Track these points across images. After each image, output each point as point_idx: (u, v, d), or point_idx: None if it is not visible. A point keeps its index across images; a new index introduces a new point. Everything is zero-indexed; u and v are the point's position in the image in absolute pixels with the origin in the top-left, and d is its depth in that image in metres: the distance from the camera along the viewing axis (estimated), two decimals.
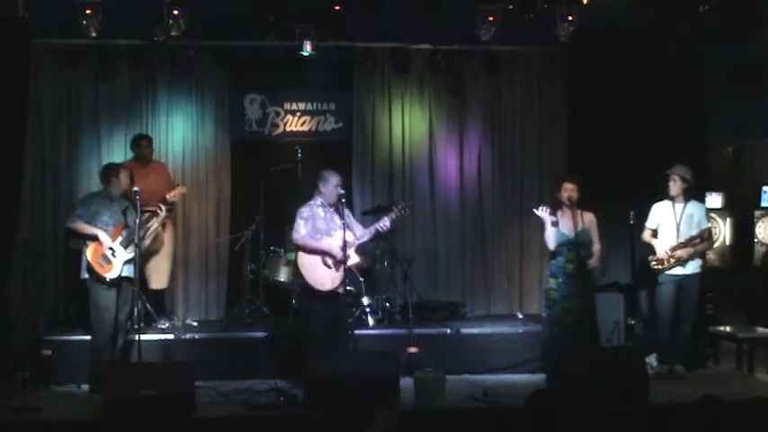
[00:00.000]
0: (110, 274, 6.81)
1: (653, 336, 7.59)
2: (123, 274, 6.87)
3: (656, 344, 7.52)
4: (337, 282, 6.81)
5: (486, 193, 8.94)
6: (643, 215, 7.53)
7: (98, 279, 6.81)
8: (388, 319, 8.14)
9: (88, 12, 6.95)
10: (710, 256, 8.99)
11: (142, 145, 7.97)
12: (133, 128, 8.36)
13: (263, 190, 8.13)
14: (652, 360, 7.39)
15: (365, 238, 7.01)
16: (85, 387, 6.92)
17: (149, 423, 5.97)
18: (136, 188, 6.90)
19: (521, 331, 7.91)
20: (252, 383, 6.94)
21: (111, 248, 6.83)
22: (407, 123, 8.88)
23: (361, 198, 8.74)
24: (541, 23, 7.27)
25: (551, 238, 7.13)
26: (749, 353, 7.79)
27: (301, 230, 6.84)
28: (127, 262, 6.88)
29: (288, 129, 8.84)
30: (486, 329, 7.95)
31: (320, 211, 6.92)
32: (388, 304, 8.22)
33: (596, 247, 7.25)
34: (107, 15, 7.00)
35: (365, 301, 8.03)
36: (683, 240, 7.32)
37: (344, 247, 6.69)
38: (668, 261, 7.33)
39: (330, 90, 8.87)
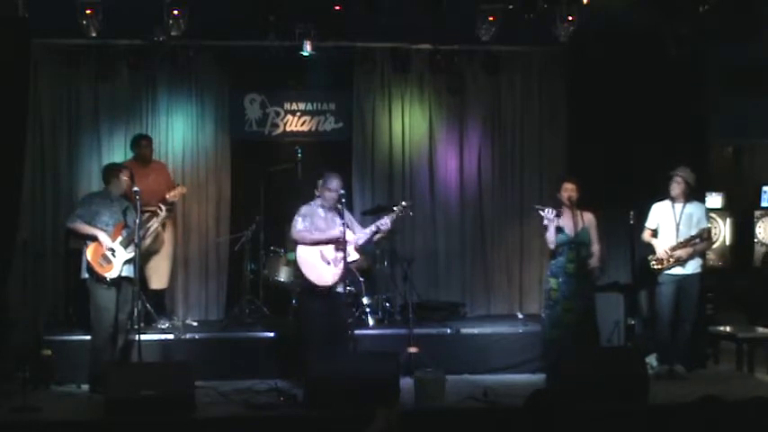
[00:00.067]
0: (110, 274, 6.81)
1: (653, 336, 7.59)
2: (123, 274, 6.87)
3: (656, 344, 7.52)
4: (337, 277, 6.81)
5: (486, 193, 8.94)
6: (643, 215, 7.53)
7: (98, 279, 6.81)
8: (388, 319, 8.13)
9: (88, 12, 6.95)
10: (710, 255, 8.99)
11: (142, 145, 7.97)
12: (133, 128, 8.36)
13: (263, 190, 8.13)
14: (652, 360, 7.39)
15: (365, 238, 7.01)
16: (85, 387, 6.91)
17: (149, 423, 5.97)
18: (136, 188, 6.90)
19: (521, 331, 7.91)
20: (252, 383, 6.94)
21: (111, 248, 6.83)
22: (407, 123, 8.88)
23: (361, 198, 8.74)
24: (541, 23, 7.28)
25: (552, 238, 7.13)
26: (749, 353, 7.79)
27: (298, 225, 6.86)
28: (127, 262, 6.88)
29: (288, 129, 8.84)
30: (486, 329, 7.95)
31: (320, 211, 6.94)
32: (388, 304, 8.22)
33: (595, 247, 7.25)
34: (107, 15, 7.01)
35: (365, 301, 8.03)
36: (682, 240, 7.33)
37: (344, 242, 6.70)
38: (668, 261, 7.33)
39: (330, 90, 8.87)
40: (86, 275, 6.88)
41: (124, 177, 7.00)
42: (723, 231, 10.07)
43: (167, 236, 7.99)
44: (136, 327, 6.92)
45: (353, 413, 5.36)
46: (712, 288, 8.32)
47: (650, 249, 7.45)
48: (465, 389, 6.87)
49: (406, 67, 8.67)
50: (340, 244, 6.76)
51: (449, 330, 7.83)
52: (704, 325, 7.90)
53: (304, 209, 6.95)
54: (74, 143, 8.36)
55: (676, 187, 7.38)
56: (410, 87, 8.86)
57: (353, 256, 6.91)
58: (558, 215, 7.06)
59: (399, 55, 8.64)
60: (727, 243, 10.12)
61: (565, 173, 7.87)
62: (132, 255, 6.88)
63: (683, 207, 7.40)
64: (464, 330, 7.83)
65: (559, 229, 7.10)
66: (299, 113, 8.85)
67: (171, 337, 7.51)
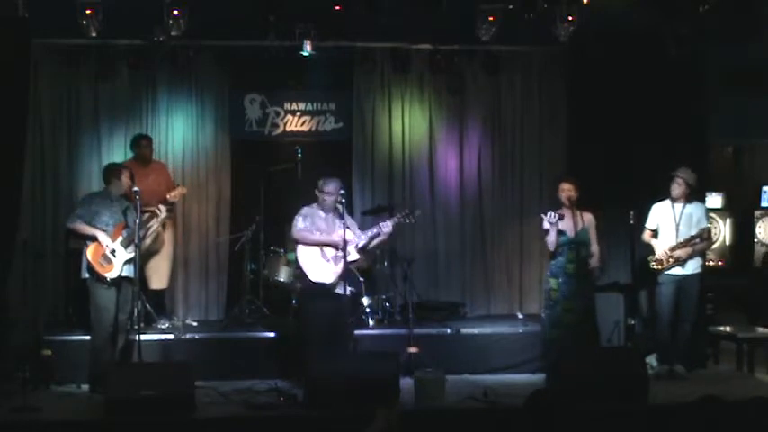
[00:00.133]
0: (110, 274, 6.80)
1: (653, 336, 7.59)
2: (123, 274, 6.87)
3: (656, 344, 7.52)
4: (337, 276, 6.81)
5: (486, 193, 8.94)
6: (643, 215, 7.53)
7: (98, 279, 6.81)
8: (388, 319, 8.13)
9: (88, 12, 6.95)
10: (710, 255, 8.99)
11: (142, 145, 7.96)
12: (133, 128, 8.36)
13: (263, 190, 8.13)
14: (652, 360, 7.39)
15: (365, 241, 7.01)
16: (85, 387, 6.91)
17: (149, 423, 5.97)
18: (136, 188, 6.90)
19: (521, 331, 7.91)
20: (252, 383, 6.93)
21: (111, 248, 6.83)
22: (407, 123, 8.88)
23: (361, 198, 8.74)
24: (541, 23, 7.28)
25: (552, 241, 7.13)
26: (749, 353, 7.79)
27: (299, 224, 6.88)
28: (127, 262, 6.88)
29: (288, 129, 8.84)
30: (486, 329, 7.95)
31: (321, 213, 6.95)
32: (388, 304, 8.22)
33: (594, 247, 7.25)
34: (107, 15, 7.01)
35: (365, 301, 8.03)
36: (681, 240, 7.33)
37: (344, 242, 6.70)
38: (667, 261, 7.33)
39: (330, 90, 8.87)
40: (86, 275, 6.88)
41: (124, 177, 7.00)
42: (723, 231, 10.06)
43: (167, 236, 7.99)
44: (136, 327, 6.92)
45: (353, 413, 5.36)
46: (712, 288, 8.31)
47: (650, 249, 7.45)
48: (465, 389, 6.87)
49: (406, 67, 8.67)
50: (341, 242, 6.76)
51: (449, 330, 7.83)
52: (704, 325, 7.90)
53: (305, 209, 6.97)
54: (74, 143, 8.35)
55: (677, 188, 7.38)
56: (410, 87, 8.86)
57: (354, 255, 6.92)
58: (561, 218, 7.05)
59: (399, 55, 8.63)
60: (727, 243, 10.12)
61: (563, 173, 7.87)
62: (132, 255, 6.88)
63: (683, 207, 7.40)
64: (464, 330, 7.83)
65: (560, 232, 7.09)
66: (299, 113, 8.85)
67: (171, 337, 7.51)
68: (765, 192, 10.32)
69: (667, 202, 7.45)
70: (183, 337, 7.53)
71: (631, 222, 7.48)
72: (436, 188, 8.90)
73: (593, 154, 8.00)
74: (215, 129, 8.67)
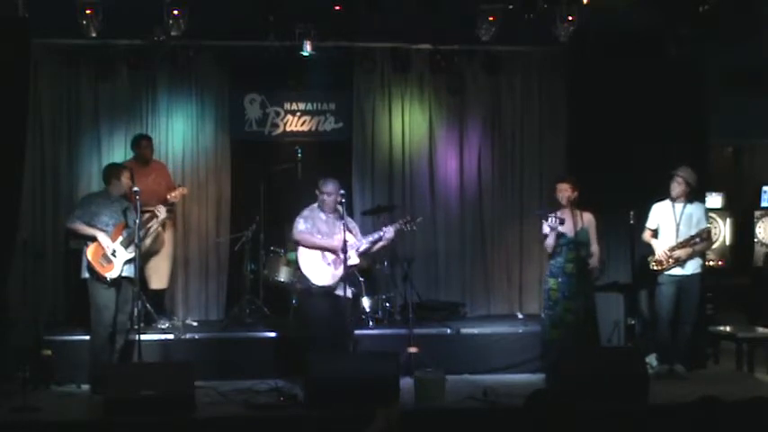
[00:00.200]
0: (110, 274, 6.80)
1: (653, 336, 7.59)
2: (124, 274, 6.87)
3: (656, 344, 7.52)
4: (337, 279, 6.81)
5: (486, 193, 8.94)
6: (643, 215, 7.52)
7: (98, 279, 6.81)
8: (388, 319, 8.13)
9: (88, 12, 6.96)
10: (710, 255, 8.99)
11: (142, 145, 7.96)
12: (133, 128, 8.36)
13: (263, 190, 8.13)
14: (652, 360, 7.39)
15: (366, 246, 7.02)
16: (85, 387, 6.91)
17: (149, 423, 5.97)
18: (136, 188, 6.90)
19: (521, 331, 7.90)
20: (252, 383, 6.93)
21: (111, 249, 6.82)
22: (407, 123, 8.88)
23: (361, 198, 8.74)
24: (541, 23, 7.29)
25: (551, 244, 7.14)
26: (749, 353, 7.79)
27: (300, 226, 6.89)
28: (127, 262, 6.88)
29: (288, 129, 8.83)
30: (486, 329, 7.95)
31: (322, 215, 6.96)
32: (388, 304, 8.22)
33: (594, 248, 7.25)
34: (107, 15, 7.01)
35: (365, 301, 8.03)
36: (681, 240, 7.33)
37: (345, 246, 6.70)
38: (667, 261, 7.33)
39: (330, 90, 8.87)
40: (87, 275, 6.88)
41: (124, 178, 7.00)
42: (723, 231, 10.06)
43: (167, 236, 7.99)
44: (136, 327, 6.92)
45: (353, 413, 5.35)
46: (712, 288, 8.32)
47: (650, 249, 7.45)
48: (465, 389, 6.86)
49: (406, 67, 8.67)
50: (341, 246, 6.76)
51: (449, 330, 7.83)
52: (704, 325, 7.90)
53: (306, 211, 6.97)
54: (74, 143, 8.35)
55: (677, 187, 7.38)
56: (410, 87, 8.86)
57: (354, 260, 6.92)
58: (562, 222, 7.04)
59: (399, 55, 8.63)
60: (727, 243, 10.11)
61: (561, 173, 7.85)
62: (133, 255, 6.88)
63: (684, 207, 7.40)
64: (464, 330, 7.83)
65: (560, 235, 7.09)
66: (299, 113, 8.85)
67: (171, 337, 7.51)
68: (765, 192, 10.31)
69: (668, 202, 7.45)
70: (183, 337, 7.53)
71: (631, 222, 7.47)
72: (436, 188, 8.90)
73: (593, 154, 8.00)
74: (215, 129, 8.66)
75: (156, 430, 6.03)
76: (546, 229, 7.12)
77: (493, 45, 8.04)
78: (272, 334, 7.55)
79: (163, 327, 7.75)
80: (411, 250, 8.57)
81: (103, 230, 6.85)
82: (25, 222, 7.76)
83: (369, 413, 4.30)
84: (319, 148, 8.83)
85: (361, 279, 7.96)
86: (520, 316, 8.57)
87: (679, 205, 7.41)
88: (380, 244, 7.09)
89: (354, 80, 8.79)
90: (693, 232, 7.34)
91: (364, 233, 7.26)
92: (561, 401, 3.69)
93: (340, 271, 6.81)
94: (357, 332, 7.32)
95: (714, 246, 9.24)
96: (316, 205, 7.00)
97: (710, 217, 8.18)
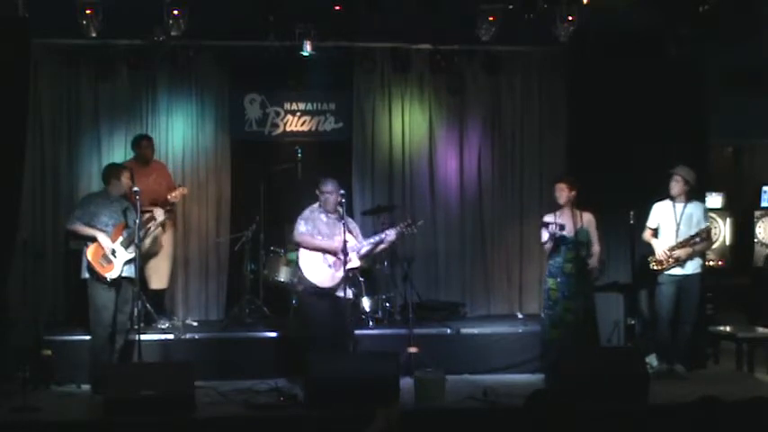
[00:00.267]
0: (110, 274, 6.80)
1: (653, 336, 7.59)
2: (124, 275, 6.87)
3: (656, 344, 7.52)
4: (338, 281, 6.81)
5: (486, 193, 8.94)
6: (643, 215, 7.52)
7: (98, 279, 6.81)
8: (388, 319, 8.13)
9: (88, 12, 6.96)
10: (710, 255, 8.99)
11: (143, 145, 7.96)
12: (133, 128, 8.36)
13: (263, 190, 8.13)
14: (652, 360, 7.38)
15: (368, 248, 7.02)
16: (86, 387, 6.91)
17: (149, 423, 5.96)
18: (136, 188, 6.90)
19: (521, 331, 7.90)
20: (252, 383, 6.93)
21: (111, 249, 6.82)
22: (407, 123, 8.88)
23: (361, 198, 8.74)
24: (541, 23, 7.28)
25: (549, 247, 7.15)
26: (749, 353, 7.79)
27: (301, 228, 6.89)
28: (127, 262, 6.88)
29: (288, 129, 8.83)
30: (486, 329, 7.94)
31: (322, 216, 6.95)
32: (388, 304, 8.21)
33: (596, 248, 7.26)
34: (107, 15, 7.01)
35: (365, 301, 8.03)
36: (681, 240, 7.33)
37: (345, 248, 6.70)
38: (667, 261, 7.33)
39: (330, 90, 8.87)
40: (87, 275, 6.88)
41: (124, 178, 7.00)
42: (723, 231, 10.06)
43: (167, 236, 7.98)
44: (136, 327, 6.92)
45: (353, 413, 5.35)
46: (712, 288, 8.32)
47: (651, 249, 7.45)
48: (465, 389, 6.86)
49: (406, 67, 8.67)
50: (341, 248, 6.76)
51: (449, 330, 7.82)
52: (704, 325, 7.90)
53: (306, 212, 6.97)
54: (74, 143, 8.35)
55: (675, 186, 7.38)
56: (410, 87, 8.86)
57: (355, 262, 6.92)
58: (562, 228, 7.04)
59: (399, 55, 8.63)
60: (727, 243, 10.11)
61: (559, 173, 7.85)
62: (133, 255, 6.88)
63: (684, 207, 7.40)
64: (464, 330, 7.83)
65: (561, 239, 7.09)
66: (299, 113, 8.85)
67: (171, 337, 7.51)
68: (765, 192, 10.31)
69: (668, 202, 7.45)
70: (183, 337, 7.52)
71: (631, 222, 7.47)
72: (436, 188, 8.90)
73: (593, 154, 7.99)
74: (215, 129, 8.66)
75: (156, 430, 6.02)
76: (545, 236, 7.13)
77: (493, 45, 8.04)
78: (272, 334, 7.56)
79: (163, 327, 7.75)
80: (411, 250, 8.56)
81: (103, 231, 6.84)
82: (25, 222, 7.76)
83: (369, 413, 4.30)
84: (319, 148, 8.83)
85: (361, 279, 7.95)
86: (520, 316, 8.57)
87: (679, 205, 7.41)
88: (382, 247, 7.11)
89: (354, 80, 8.78)
90: (693, 232, 7.34)
91: (364, 233, 7.27)
92: (561, 401, 3.69)
93: (341, 273, 6.81)
94: (357, 332, 7.31)
95: (714, 246, 9.24)
96: (316, 206, 7.01)
97: (710, 217, 8.17)
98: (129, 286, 6.93)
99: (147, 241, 7.30)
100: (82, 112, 8.38)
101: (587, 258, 7.20)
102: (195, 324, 8.16)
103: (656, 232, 7.49)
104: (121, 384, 6.14)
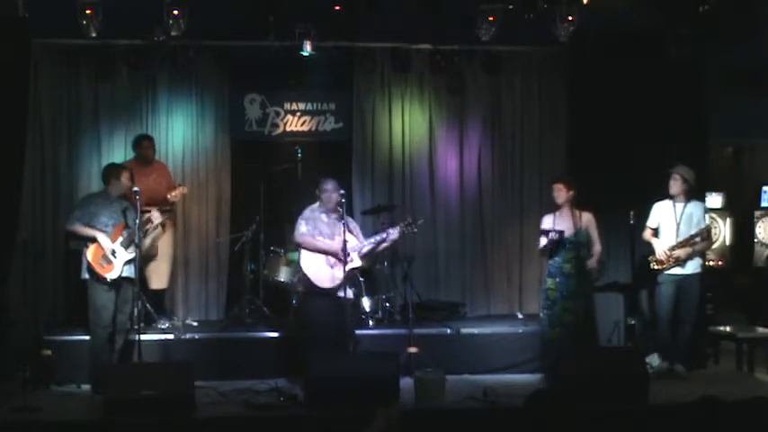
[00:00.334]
0: (110, 275, 6.80)
1: (653, 336, 7.59)
2: (124, 275, 6.87)
3: (656, 344, 7.52)
4: (338, 281, 6.81)
5: (486, 193, 8.94)
6: (643, 215, 7.52)
7: (98, 279, 6.81)
8: (388, 319, 8.13)
9: (88, 12, 6.96)
10: (710, 255, 8.99)
11: (144, 145, 7.96)
12: (133, 128, 8.36)
13: (263, 190, 8.13)
14: (652, 360, 7.38)
15: (369, 248, 7.01)
16: (86, 387, 6.91)
17: (149, 423, 5.96)
18: (136, 188, 6.90)
19: (521, 331, 7.90)
20: (252, 383, 6.93)
21: (111, 249, 6.82)
22: (407, 123, 8.88)
23: (361, 198, 8.74)
24: (541, 23, 7.28)
25: (547, 249, 7.17)
26: (749, 353, 7.79)
27: (302, 228, 6.89)
28: (127, 262, 6.88)
29: (288, 129, 8.83)
30: (486, 329, 7.94)
31: (323, 216, 6.95)
32: (388, 304, 8.22)
33: (596, 248, 7.25)
34: (107, 15, 7.01)
35: (365, 301, 8.03)
36: (681, 240, 7.33)
37: (345, 248, 6.70)
38: (667, 261, 7.33)
39: (330, 90, 8.87)
40: (87, 276, 6.88)
41: (124, 178, 7.00)
42: (723, 231, 10.06)
43: (167, 236, 7.98)
44: (136, 327, 6.92)
45: (353, 413, 5.35)
46: (712, 288, 8.32)
47: (650, 249, 7.45)
48: (465, 389, 6.86)
49: (406, 67, 8.67)
50: (342, 249, 6.76)
51: (449, 330, 7.82)
52: (704, 325, 7.90)
53: (307, 212, 6.97)
54: (74, 143, 8.35)
55: (675, 185, 7.38)
56: (410, 87, 8.86)
57: (356, 262, 6.92)
58: (561, 234, 7.06)
59: (399, 55, 8.63)
60: (727, 243, 10.11)
61: (557, 173, 7.85)
62: (133, 255, 6.88)
63: (684, 207, 7.40)
64: (464, 330, 7.83)
65: (560, 240, 7.09)
66: (299, 113, 8.85)
67: (171, 337, 7.51)
68: (765, 192, 10.31)
69: (668, 202, 7.45)
70: (183, 337, 7.52)
71: (631, 222, 7.47)
72: (436, 188, 8.90)
73: (593, 154, 8.00)
74: (215, 129, 8.66)
75: (156, 430, 6.02)
76: (542, 243, 7.16)
77: (493, 45, 8.04)
78: (273, 334, 7.56)
79: (163, 327, 7.75)
80: (411, 250, 8.56)
81: (103, 231, 6.84)
82: (25, 222, 7.76)
83: (369, 413, 4.30)
84: (319, 148, 8.83)
85: (361, 279, 7.95)
86: (520, 316, 8.57)
87: (680, 205, 7.41)
88: (384, 245, 7.10)
89: (354, 80, 8.78)
90: (694, 232, 7.34)
91: (365, 233, 7.27)
92: (561, 401, 3.69)
93: (342, 273, 6.81)
94: (357, 332, 7.31)
95: (714, 246, 9.23)
96: (316, 206, 7.01)
97: (711, 217, 8.17)
98: (129, 286, 6.93)
99: (147, 241, 7.30)
100: (82, 112, 8.38)
101: (587, 258, 7.19)
102: (195, 324, 8.16)
103: (656, 232, 7.49)
104: (121, 384, 6.14)
